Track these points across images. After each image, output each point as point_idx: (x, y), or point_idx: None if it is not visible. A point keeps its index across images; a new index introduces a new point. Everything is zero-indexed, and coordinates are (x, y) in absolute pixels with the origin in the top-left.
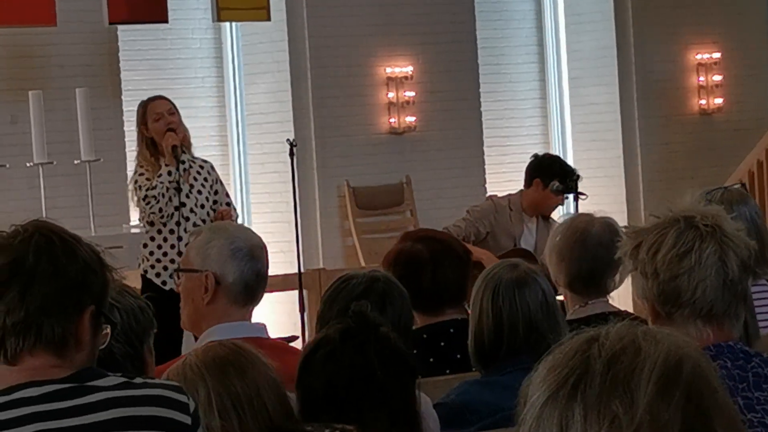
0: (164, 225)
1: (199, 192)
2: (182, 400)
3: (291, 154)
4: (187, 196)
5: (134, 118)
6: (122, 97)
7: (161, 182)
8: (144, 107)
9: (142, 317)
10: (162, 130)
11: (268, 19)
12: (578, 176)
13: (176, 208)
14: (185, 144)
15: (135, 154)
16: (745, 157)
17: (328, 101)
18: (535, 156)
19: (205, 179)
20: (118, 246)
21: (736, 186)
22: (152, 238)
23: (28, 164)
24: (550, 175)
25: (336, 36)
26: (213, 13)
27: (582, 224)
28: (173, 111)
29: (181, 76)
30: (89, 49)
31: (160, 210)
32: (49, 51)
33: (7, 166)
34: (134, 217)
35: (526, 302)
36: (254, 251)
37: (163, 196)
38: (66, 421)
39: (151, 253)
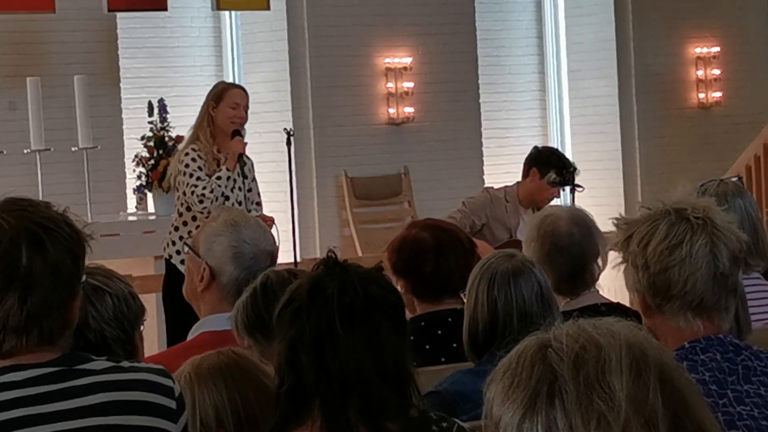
0: (201, 212)
1: (240, 189)
2: (167, 384)
3: (288, 143)
4: (231, 191)
5: (132, 106)
6: (120, 85)
7: (219, 185)
8: (224, 89)
9: (134, 303)
10: (231, 117)
11: (268, 8)
12: (575, 169)
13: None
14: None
15: (135, 140)
16: (742, 151)
17: (327, 91)
18: (535, 148)
19: (245, 176)
20: (114, 234)
21: (733, 179)
22: (185, 223)
23: (25, 151)
24: (548, 165)
25: (335, 26)
26: (212, 1)
27: (550, 227)
28: (247, 110)
29: (180, 64)
30: (88, 37)
31: (209, 212)
32: (48, 38)
33: (5, 152)
34: (131, 205)
35: (521, 293)
36: (259, 257)
37: (217, 199)
38: (51, 406)
39: (181, 238)
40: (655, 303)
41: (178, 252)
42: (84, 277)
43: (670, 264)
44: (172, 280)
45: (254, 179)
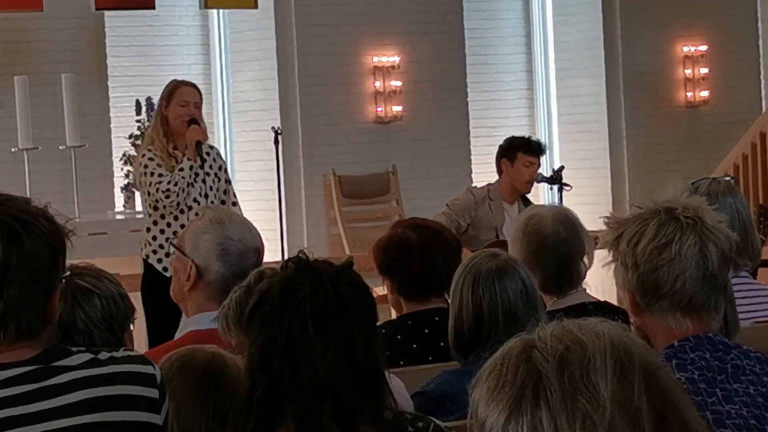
0: (169, 212)
1: (204, 181)
2: (148, 372)
3: (276, 141)
4: (192, 185)
5: (120, 105)
6: (108, 83)
7: (183, 177)
8: (174, 87)
9: (122, 303)
10: (182, 116)
11: (255, 6)
12: (562, 167)
13: (195, 201)
14: (204, 138)
15: (122, 139)
16: (730, 150)
17: (315, 89)
18: (498, 145)
19: (210, 167)
20: (102, 232)
21: (726, 178)
22: (155, 222)
23: (13, 149)
24: (512, 148)
25: (323, 24)
26: (200, 0)
27: (535, 227)
28: (199, 105)
29: (168, 63)
30: (76, 35)
31: (178, 204)
32: (36, 36)
33: None
34: (119, 203)
35: (506, 292)
36: (245, 254)
37: (183, 191)
38: (33, 406)
39: (154, 238)
40: (645, 302)
41: (154, 252)
42: (68, 273)
43: (659, 263)
44: (149, 280)
45: (221, 168)
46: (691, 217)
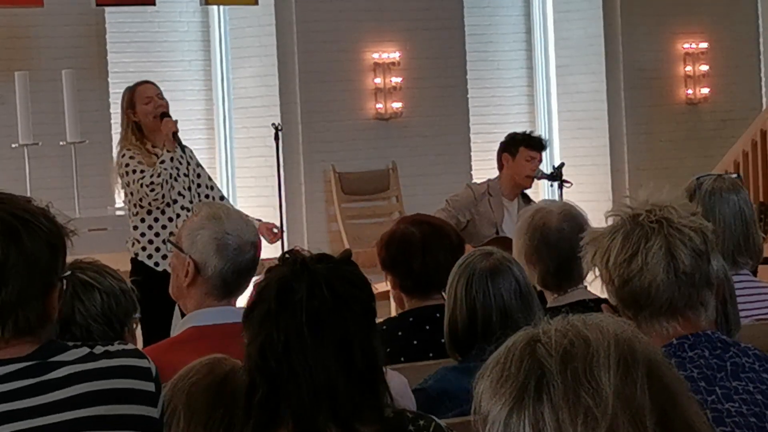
0: (155, 207)
1: (185, 175)
2: (144, 366)
3: (276, 138)
4: (176, 179)
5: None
6: (109, 80)
7: (165, 168)
8: (132, 91)
9: (124, 299)
10: (151, 112)
11: (256, 3)
12: (562, 164)
13: (179, 194)
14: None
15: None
16: (730, 147)
17: (315, 86)
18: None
19: (188, 163)
20: (102, 228)
21: (733, 175)
22: (142, 220)
23: (13, 145)
24: (514, 143)
25: (323, 21)
26: None
27: (540, 221)
28: (162, 96)
29: (169, 59)
30: (76, 31)
31: (163, 197)
32: (36, 32)
33: None
34: (119, 200)
35: (499, 291)
36: (243, 248)
37: (167, 182)
38: (31, 401)
39: (143, 235)
40: (629, 315)
41: (144, 248)
42: (68, 272)
43: (630, 276)
44: (142, 278)
45: (198, 165)
46: (656, 220)
